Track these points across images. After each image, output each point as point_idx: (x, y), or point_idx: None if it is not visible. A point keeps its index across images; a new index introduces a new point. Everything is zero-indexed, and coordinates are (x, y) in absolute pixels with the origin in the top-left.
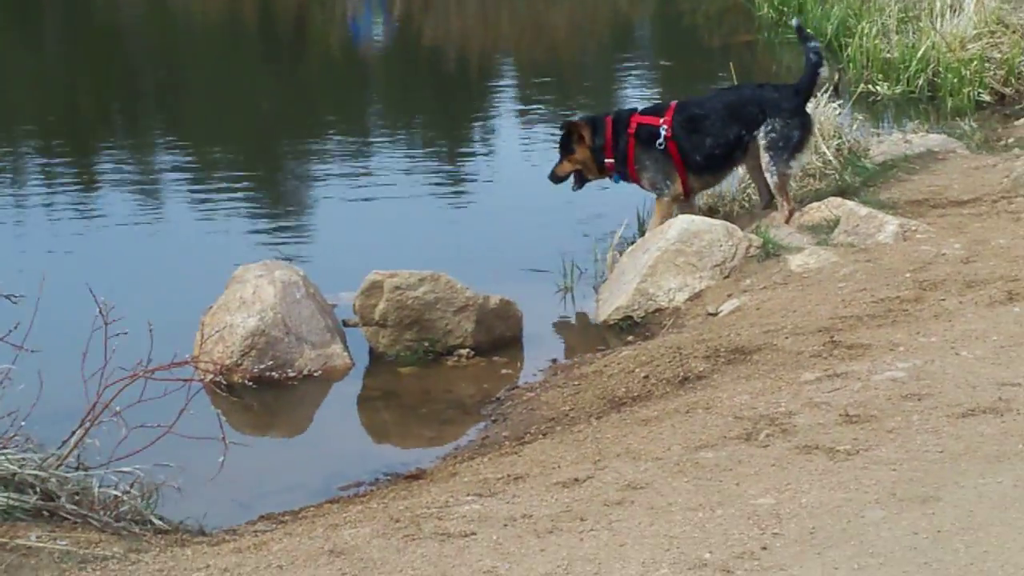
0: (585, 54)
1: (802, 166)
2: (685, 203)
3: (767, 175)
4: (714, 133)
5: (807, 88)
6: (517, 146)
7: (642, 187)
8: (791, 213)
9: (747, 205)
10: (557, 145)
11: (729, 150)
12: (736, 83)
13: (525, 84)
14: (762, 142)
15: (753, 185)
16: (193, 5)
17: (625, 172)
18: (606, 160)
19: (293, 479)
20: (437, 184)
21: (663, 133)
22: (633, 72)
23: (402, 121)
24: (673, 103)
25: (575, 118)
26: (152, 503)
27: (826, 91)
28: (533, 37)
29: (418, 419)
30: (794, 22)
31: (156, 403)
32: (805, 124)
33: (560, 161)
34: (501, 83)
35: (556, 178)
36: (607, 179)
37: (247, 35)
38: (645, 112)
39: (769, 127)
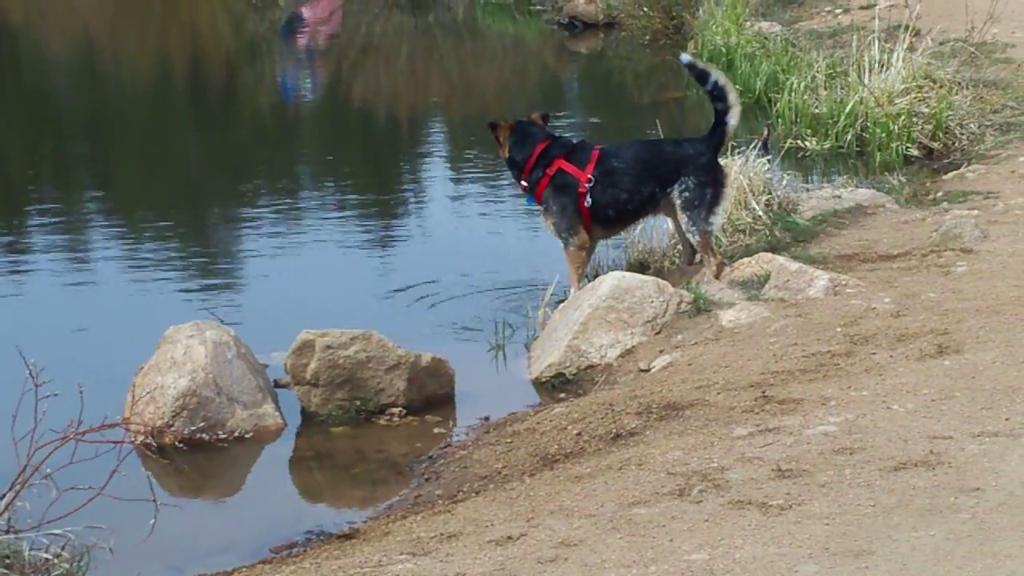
0: (515, 111)
1: (721, 221)
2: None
3: (688, 235)
4: (629, 190)
5: (718, 140)
6: (447, 204)
7: (544, 221)
8: (719, 267)
9: (677, 261)
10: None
11: (641, 206)
12: (657, 139)
13: (454, 141)
14: (677, 202)
15: (680, 242)
16: (123, 64)
17: (533, 198)
18: (520, 181)
19: (225, 540)
20: (368, 242)
21: (583, 189)
22: (563, 130)
23: (332, 179)
24: (595, 152)
25: (504, 120)
26: (84, 566)
27: (755, 147)
28: (462, 95)
29: (350, 479)
30: (683, 59)
31: (87, 465)
32: (718, 179)
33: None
34: (431, 140)
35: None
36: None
37: (177, 97)
38: (570, 157)
39: (683, 186)
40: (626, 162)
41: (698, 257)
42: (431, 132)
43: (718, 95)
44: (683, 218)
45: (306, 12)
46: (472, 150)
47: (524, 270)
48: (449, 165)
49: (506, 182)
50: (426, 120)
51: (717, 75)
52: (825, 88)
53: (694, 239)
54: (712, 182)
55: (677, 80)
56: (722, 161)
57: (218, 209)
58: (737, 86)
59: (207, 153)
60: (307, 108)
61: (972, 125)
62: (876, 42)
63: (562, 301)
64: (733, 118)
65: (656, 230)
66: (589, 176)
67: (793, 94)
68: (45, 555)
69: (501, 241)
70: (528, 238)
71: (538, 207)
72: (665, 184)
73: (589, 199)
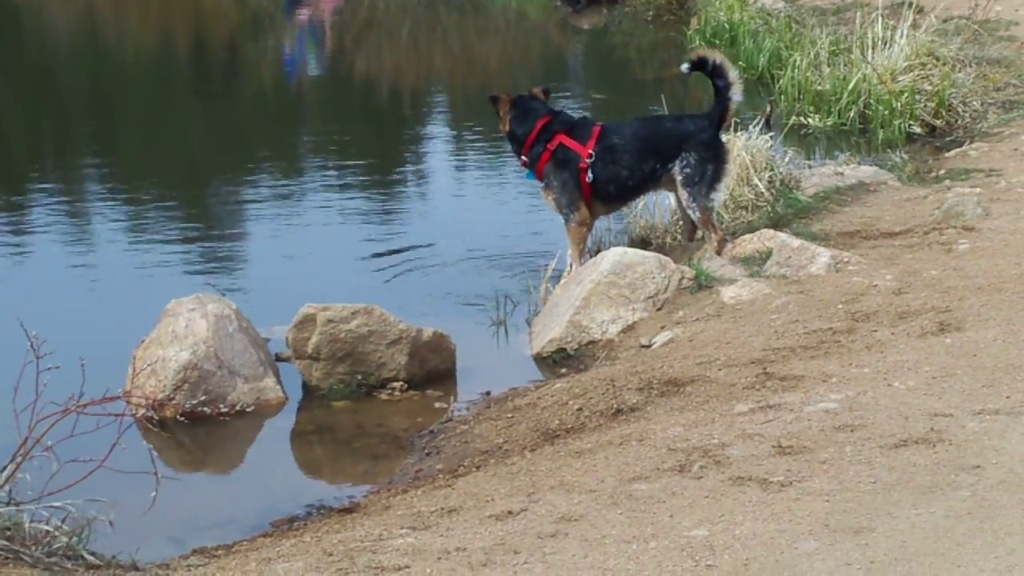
0: (518, 87)
1: (723, 197)
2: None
3: (689, 211)
4: (630, 166)
5: (719, 117)
6: (450, 179)
7: (544, 197)
8: (721, 243)
9: (679, 237)
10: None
11: (642, 182)
12: (658, 115)
13: (457, 117)
14: (678, 178)
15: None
16: (126, 40)
17: (533, 173)
18: (521, 156)
19: (226, 513)
20: (371, 217)
21: (583, 164)
22: (566, 105)
23: (335, 154)
24: (596, 128)
25: (506, 94)
26: (84, 538)
27: (758, 123)
28: (465, 71)
29: (351, 453)
30: (684, 69)
31: (88, 438)
32: (719, 155)
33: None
34: (434, 116)
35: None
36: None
37: (180, 70)
38: (572, 132)
39: (684, 162)
40: (627, 138)
41: (699, 233)
42: (434, 107)
43: (717, 73)
44: (684, 194)
45: None
46: (474, 125)
47: (526, 245)
48: (452, 140)
49: (508, 157)
50: (429, 95)
51: (713, 55)
52: (828, 65)
53: (695, 215)
54: (713, 158)
55: (680, 56)
56: (724, 138)
57: (220, 183)
58: (740, 63)
59: (210, 128)
60: (310, 83)
61: (975, 103)
62: (879, 19)
63: (561, 276)
64: (736, 94)
65: (658, 206)
66: (590, 152)
67: (796, 71)
68: (46, 527)
69: (503, 216)
70: (530, 213)
71: (538, 183)
72: (666, 160)
73: (590, 175)
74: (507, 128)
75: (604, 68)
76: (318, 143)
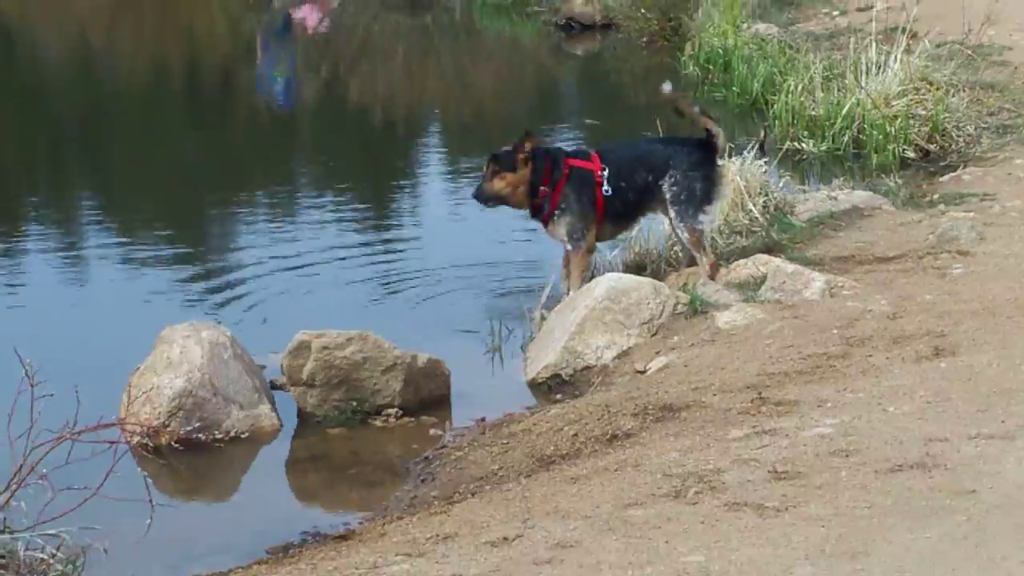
0: (511, 113)
1: (714, 220)
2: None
3: (678, 232)
4: (627, 178)
5: (712, 146)
6: (444, 204)
7: (553, 232)
8: (714, 268)
9: (674, 263)
10: (492, 161)
11: (639, 195)
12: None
13: (451, 143)
14: (667, 195)
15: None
16: (118, 64)
17: (543, 209)
18: (541, 187)
19: (221, 541)
20: (365, 243)
21: (599, 179)
22: (560, 131)
23: (329, 179)
24: (593, 152)
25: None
26: (79, 566)
27: (752, 149)
28: (459, 96)
29: (347, 480)
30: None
31: (83, 465)
32: (709, 176)
33: (491, 179)
34: (428, 141)
35: (485, 197)
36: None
37: (173, 96)
38: (579, 157)
39: (672, 179)
40: (619, 154)
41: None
42: (428, 132)
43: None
44: (671, 212)
45: (297, 15)
46: (468, 150)
47: (521, 271)
48: (445, 166)
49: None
50: (423, 120)
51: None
52: (822, 90)
53: (683, 236)
54: (702, 178)
55: (674, 82)
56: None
57: (214, 209)
58: (734, 88)
59: (203, 153)
60: (303, 109)
61: (969, 127)
62: (873, 44)
63: (559, 302)
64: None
65: (652, 232)
66: (603, 165)
67: (790, 96)
68: (40, 555)
69: (498, 242)
70: (524, 240)
71: (543, 229)
72: (659, 173)
73: (607, 188)
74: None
75: (598, 93)
76: (312, 169)
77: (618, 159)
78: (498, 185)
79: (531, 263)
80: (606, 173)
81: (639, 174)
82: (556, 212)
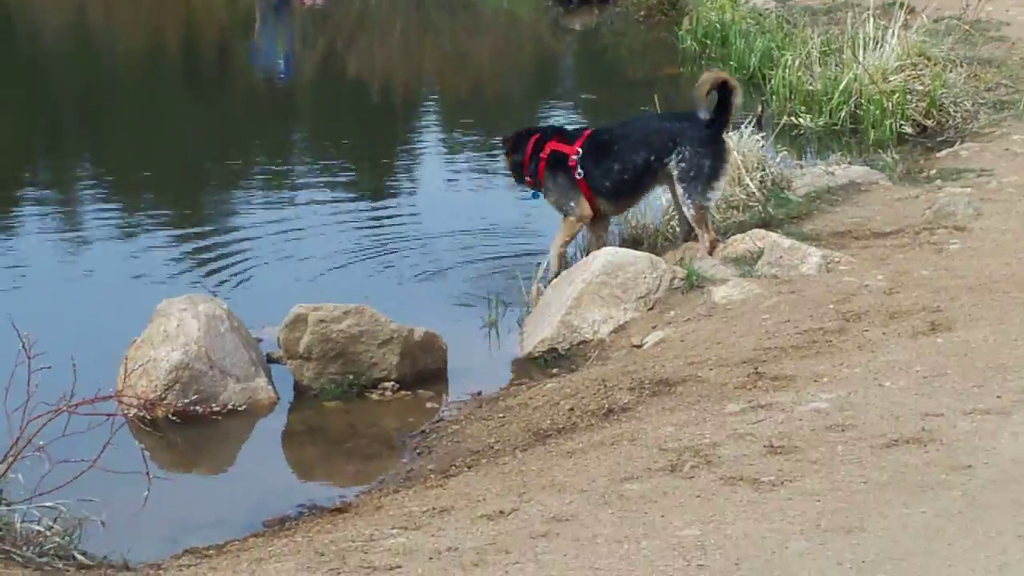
0: (509, 87)
1: (719, 197)
2: (601, 228)
3: (683, 208)
4: (621, 159)
5: (720, 116)
6: (441, 179)
7: (549, 203)
8: (712, 245)
9: (671, 237)
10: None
11: (637, 175)
12: (650, 113)
13: (448, 116)
14: (674, 172)
15: (676, 217)
16: (116, 40)
17: (538, 189)
18: (525, 177)
19: (217, 513)
20: (362, 216)
21: (572, 162)
22: (557, 105)
23: (327, 153)
24: (587, 131)
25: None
26: (76, 538)
27: (749, 123)
28: (457, 70)
29: (343, 453)
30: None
31: (79, 438)
32: (717, 153)
33: (506, 159)
34: (424, 115)
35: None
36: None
37: (171, 69)
38: (562, 138)
39: (679, 156)
40: (615, 134)
41: (693, 233)
42: (425, 106)
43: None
44: (679, 189)
45: None
46: (466, 125)
47: (518, 245)
48: (443, 140)
49: (500, 157)
50: (420, 95)
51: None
52: (820, 65)
53: (689, 212)
54: (711, 155)
55: (672, 56)
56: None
57: (212, 183)
58: (732, 63)
59: (200, 127)
60: (301, 83)
61: (966, 103)
62: (871, 19)
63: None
64: (737, 99)
65: (649, 207)
66: (576, 149)
67: (788, 71)
68: (37, 527)
69: (495, 216)
70: (522, 213)
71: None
72: (661, 153)
73: (580, 171)
74: (510, 157)
75: (595, 68)
76: (309, 143)
77: (611, 139)
78: (506, 164)
79: (529, 236)
80: (580, 155)
81: (638, 154)
82: (544, 190)
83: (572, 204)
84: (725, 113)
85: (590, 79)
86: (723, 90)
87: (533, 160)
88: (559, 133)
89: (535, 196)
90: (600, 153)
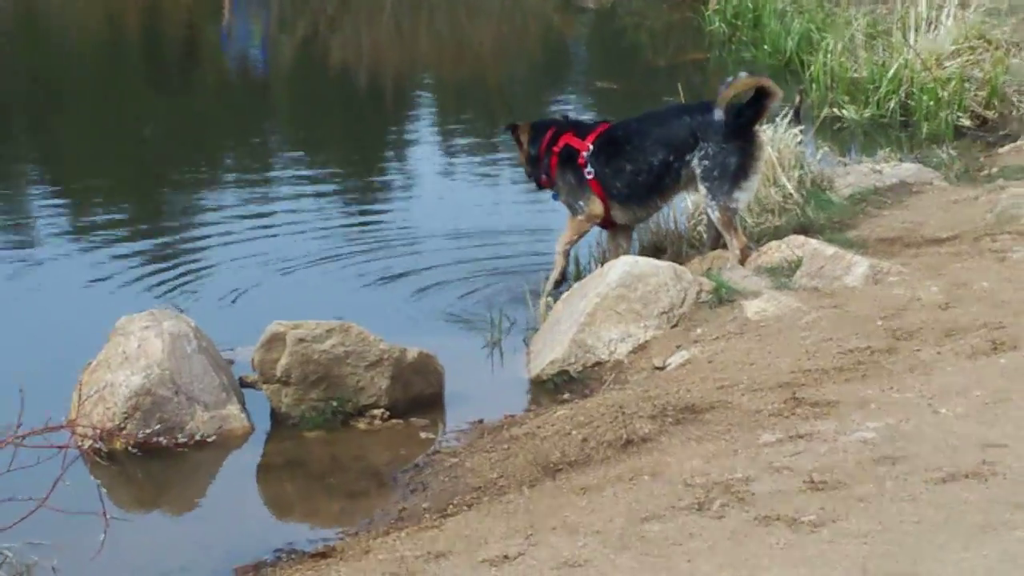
0: (513, 76)
1: (749, 199)
2: (622, 237)
3: (708, 211)
4: (635, 158)
5: (754, 111)
6: (437, 178)
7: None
8: (743, 252)
9: (698, 244)
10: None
11: (654, 178)
12: (669, 104)
13: (445, 108)
14: (697, 171)
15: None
16: (71, 25)
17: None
18: (541, 174)
19: (184, 558)
20: (348, 221)
21: (581, 160)
22: (568, 96)
23: (307, 150)
24: (603, 124)
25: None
26: None
27: (786, 116)
28: (455, 57)
29: (326, 489)
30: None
31: (28, 473)
32: (745, 148)
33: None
34: (419, 108)
35: (527, 174)
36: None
37: (131, 56)
38: (578, 132)
39: (702, 153)
40: (630, 130)
41: (722, 240)
42: (419, 98)
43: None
44: (702, 190)
45: None
46: (465, 118)
47: (524, 254)
48: (439, 135)
49: (504, 154)
50: (413, 84)
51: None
52: (865, 49)
53: (713, 215)
54: (738, 150)
55: (698, 39)
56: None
57: (179, 184)
58: (765, 47)
59: (166, 120)
60: (278, 72)
61: None
62: None
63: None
64: (774, 101)
65: (673, 209)
66: (588, 145)
67: (829, 56)
68: None
69: (499, 221)
70: (529, 217)
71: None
72: (682, 151)
73: (589, 168)
74: (525, 152)
75: (612, 54)
76: (288, 139)
77: (626, 134)
78: (520, 158)
79: (537, 242)
80: (591, 152)
81: (654, 152)
82: (555, 187)
83: (581, 203)
84: (758, 107)
85: (606, 66)
86: (759, 93)
87: (547, 155)
88: (576, 126)
89: (556, 197)
90: (612, 151)
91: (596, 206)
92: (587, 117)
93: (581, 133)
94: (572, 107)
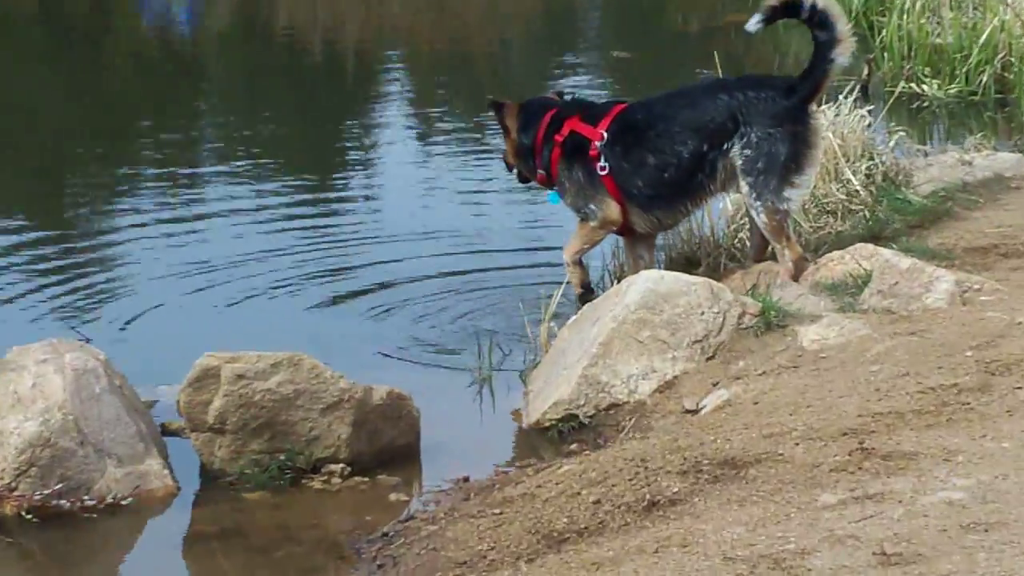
0: (507, 47)
1: (805, 197)
2: (644, 247)
3: (752, 213)
4: (660, 149)
5: (811, 82)
6: (413, 177)
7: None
8: (797, 265)
9: (739, 255)
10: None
11: (683, 173)
12: (703, 79)
13: (422, 92)
14: (738, 162)
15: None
16: None
17: (556, 188)
18: (537, 170)
19: None
20: (298, 227)
21: (593, 151)
22: (576, 69)
23: (246, 137)
24: (618, 106)
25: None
26: None
27: (851, 92)
28: (431, 24)
29: (271, 566)
30: (755, 23)
31: None
32: (799, 134)
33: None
34: (386, 86)
35: (507, 166)
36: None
37: (26, 24)
38: (587, 116)
39: (745, 141)
40: (654, 114)
41: (770, 249)
42: (388, 75)
43: (820, 21)
44: (744, 186)
45: None
46: (446, 102)
47: (520, 267)
48: (415, 124)
49: (493, 144)
50: (380, 56)
51: None
52: (951, 8)
53: (760, 217)
54: (791, 137)
55: None
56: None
57: (83, 181)
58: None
59: (69, 103)
60: (208, 41)
61: None
62: None
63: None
64: (840, 54)
65: (707, 211)
66: (601, 132)
67: (905, 17)
68: None
69: (487, 222)
70: (525, 222)
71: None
72: (719, 139)
73: (603, 162)
74: (514, 139)
75: (630, 16)
76: (221, 125)
77: (649, 118)
78: (506, 149)
79: (535, 255)
80: (605, 143)
81: (684, 141)
82: (558, 186)
83: (593, 206)
84: (817, 74)
85: (622, 31)
86: (816, 32)
87: (547, 144)
88: (583, 108)
89: (555, 199)
90: (631, 139)
91: (612, 210)
92: (600, 97)
93: (591, 117)
94: (578, 84)
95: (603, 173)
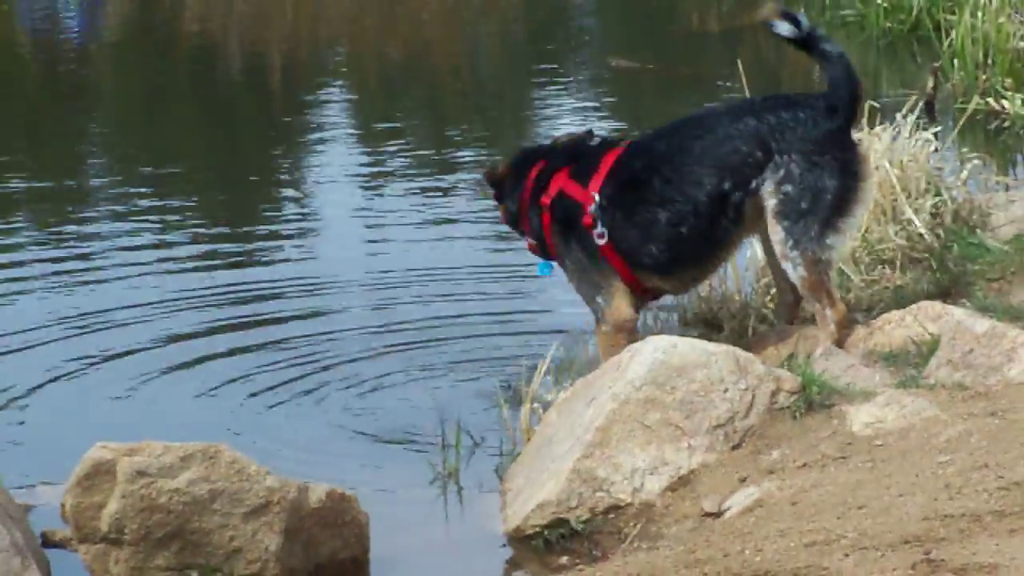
0: (481, 56)
1: (851, 245)
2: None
3: (786, 264)
4: (670, 199)
5: (850, 101)
6: (362, 202)
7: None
8: (842, 325)
9: (770, 316)
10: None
11: (704, 224)
12: (733, 100)
13: (365, 108)
14: (769, 203)
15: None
16: None
17: (548, 257)
18: (525, 239)
19: None
20: (214, 272)
21: (587, 219)
22: (567, 82)
23: (151, 165)
24: (613, 151)
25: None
26: None
27: (912, 110)
28: (382, 25)
29: None
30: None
31: None
32: (848, 166)
33: None
34: (329, 103)
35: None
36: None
37: None
38: (578, 168)
39: (780, 176)
40: (658, 154)
41: (806, 309)
42: (330, 86)
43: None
44: (777, 232)
45: None
46: (393, 115)
47: (496, 323)
48: (353, 146)
49: (463, 172)
50: (317, 66)
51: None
52: None
53: (796, 271)
54: (840, 170)
55: None
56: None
57: None
58: (881, 2)
59: None
60: (104, 48)
61: None
62: None
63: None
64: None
65: (732, 262)
66: (593, 194)
67: (980, 15)
68: None
69: (454, 269)
70: (500, 264)
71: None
72: (745, 175)
73: (599, 228)
74: (504, 212)
75: (633, 17)
76: (118, 147)
77: (653, 162)
78: (501, 217)
79: (514, 304)
80: (596, 204)
81: (700, 182)
82: (556, 262)
83: (600, 299)
84: (851, 86)
85: (623, 35)
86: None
87: (534, 208)
88: (573, 158)
89: (545, 270)
90: (633, 197)
91: (621, 305)
92: (590, 123)
93: (581, 170)
94: (570, 100)
95: (602, 242)
